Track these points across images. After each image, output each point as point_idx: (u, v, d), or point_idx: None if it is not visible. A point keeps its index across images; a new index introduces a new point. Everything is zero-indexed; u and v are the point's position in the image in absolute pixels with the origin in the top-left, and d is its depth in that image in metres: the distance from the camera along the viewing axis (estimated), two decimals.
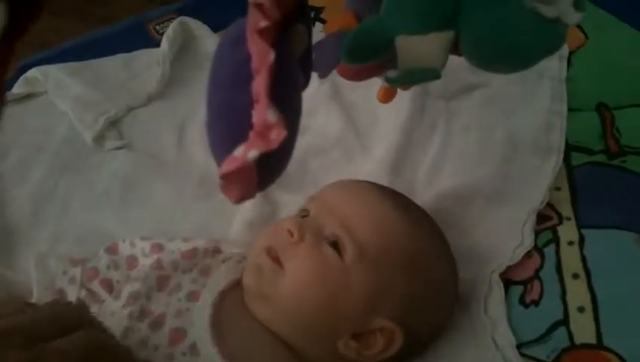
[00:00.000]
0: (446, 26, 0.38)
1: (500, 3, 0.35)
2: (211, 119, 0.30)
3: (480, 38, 0.37)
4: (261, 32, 0.27)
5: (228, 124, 0.29)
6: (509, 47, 0.36)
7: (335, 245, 0.50)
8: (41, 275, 0.57)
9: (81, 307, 0.48)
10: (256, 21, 0.27)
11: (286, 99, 0.29)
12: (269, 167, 0.30)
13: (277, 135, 0.26)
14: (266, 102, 0.26)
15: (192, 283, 0.53)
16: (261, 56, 0.27)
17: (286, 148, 0.29)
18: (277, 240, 0.51)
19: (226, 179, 0.28)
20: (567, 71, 0.71)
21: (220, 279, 0.53)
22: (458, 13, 0.37)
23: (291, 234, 0.50)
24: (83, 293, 0.55)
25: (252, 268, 0.52)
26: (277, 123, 0.26)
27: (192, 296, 0.52)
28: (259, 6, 0.28)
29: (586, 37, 0.74)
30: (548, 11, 0.33)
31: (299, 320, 0.49)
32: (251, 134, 0.28)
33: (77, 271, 0.56)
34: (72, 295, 0.55)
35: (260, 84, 0.27)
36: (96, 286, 0.56)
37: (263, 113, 0.26)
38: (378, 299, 0.49)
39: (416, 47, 0.39)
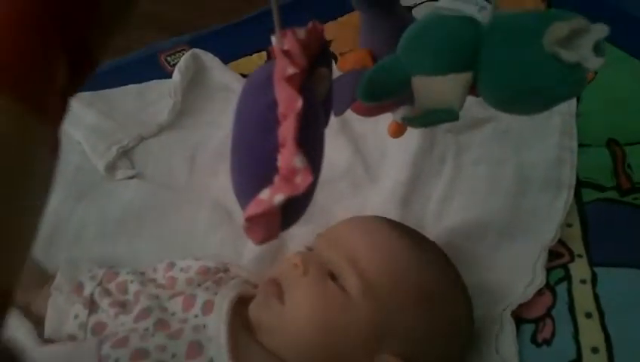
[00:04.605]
0: (465, 68, 0.38)
1: (520, 47, 0.36)
2: (236, 162, 0.31)
3: (499, 81, 0.37)
4: (289, 79, 0.27)
5: (253, 167, 0.29)
6: (528, 91, 0.36)
7: (338, 279, 0.50)
8: (68, 268, 0.59)
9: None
10: (283, 68, 0.28)
11: (311, 143, 0.29)
12: (293, 210, 0.30)
13: (303, 180, 0.27)
14: (293, 148, 0.27)
15: (205, 291, 0.54)
16: (288, 103, 0.27)
17: (309, 191, 0.30)
18: (282, 273, 0.52)
19: (251, 221, 0.28)
20: (577, 106, 0.71)
21: (229, 290, 0.54)
22: (477, 55, 0.38)
23: (296, 268, 0.51)
24: (98, 290, 0.57)
25: (258, 299, 0.53)
26: (304, 168, 0.27)
27: (207, 306, 0.52)
28: (286, 52, 0.28)
29: (595, 72, 0.74)
30: (569, 56, 0.33)
31: (302, 354, 0.49)
32: (277, 178, 0.28)
33: (100, 272, 0.59)
34: (89, 289, 0.57)
35: (287, 130, 0.27)
36: (112, 286, 0.57)
37: (290, 159, 0.27)
38: (383, 335, 0.49)
39: (434, 87, 0.39)
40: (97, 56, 0.23)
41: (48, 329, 0.55)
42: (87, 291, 0.56)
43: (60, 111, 0.22)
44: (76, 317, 0.55)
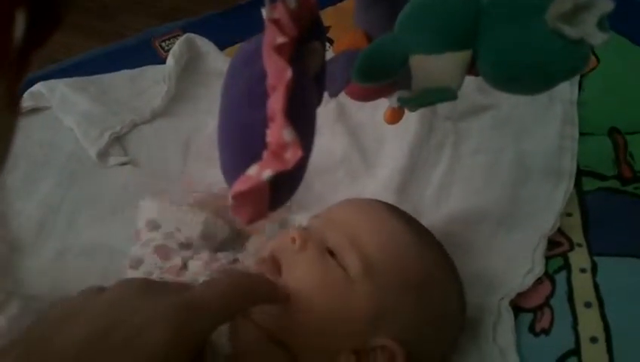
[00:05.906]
0: (463, 46, 0.37)
1: (521, 22, 0.35)
2: (223, 138, 0.29)
3: (500, 59, 0.36)
4: (278, 49, 0.26)
5: (241, 143, 0.28)
6: (530, 68, 0.35)
7: (336, 257, 0.48)
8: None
9: None
10: (272, 37, 0.26)
11: (301, 117, 0.28)
12: (282, 188, 0.28)
13: (292, 155, 0.25)
14: (282, 120, 0.25)
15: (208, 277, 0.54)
16: (278, 73, 0.26)
17: (299, 169, 0.28)
18: (280, 248, 0.50)
19: (238, 199, 0.27)
20: (579, 94, 0.70)
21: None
22: (476, 33, 0.36)
23: (294, 242, 0.49)
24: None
25: None
26: (293, 142, 0.25)
27: None
28: (276, 22, 0.27)
29: (598, 60, 0.73)
30: (572, 32, 0.32)
31: (298, 331, 0.47)
32: (265, 153, 0.27)
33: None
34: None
35: (276, 102, 0.26)
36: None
37: (279, 132, 0.25)
38: (383, 317, 0.48)
39: (432, 66, 0.38)
40: (62, 11, 0.22)
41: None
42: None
43: (16, 66, 0.20)
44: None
